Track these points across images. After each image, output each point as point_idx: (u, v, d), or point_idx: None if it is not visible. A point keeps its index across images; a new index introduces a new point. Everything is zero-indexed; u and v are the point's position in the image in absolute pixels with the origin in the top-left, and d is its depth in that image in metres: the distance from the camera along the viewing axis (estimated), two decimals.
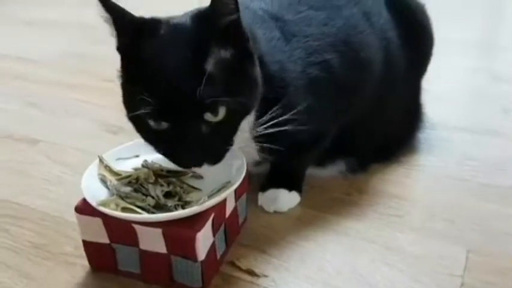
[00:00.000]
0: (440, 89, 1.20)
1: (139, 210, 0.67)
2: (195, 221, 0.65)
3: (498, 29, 1.88)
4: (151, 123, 0.65)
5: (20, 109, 1.27)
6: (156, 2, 1.49)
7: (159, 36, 0.65)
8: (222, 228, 0.72)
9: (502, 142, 1.03)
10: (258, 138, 0.74)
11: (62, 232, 0.81)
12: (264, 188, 0.86)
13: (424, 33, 0.98)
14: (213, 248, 0.69)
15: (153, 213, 0.67)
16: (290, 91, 0.76)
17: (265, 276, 0.71)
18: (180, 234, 0.65)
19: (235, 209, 0.76)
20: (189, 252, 0.65)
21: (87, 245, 0.72)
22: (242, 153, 0.75)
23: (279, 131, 0.72)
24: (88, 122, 1.18)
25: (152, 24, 0.66)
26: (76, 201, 0.70)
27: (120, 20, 0.65)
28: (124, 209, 0.67)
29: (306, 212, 0.84)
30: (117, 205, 0.67)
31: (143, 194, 0.70)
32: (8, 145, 1.10)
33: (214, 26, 0.64)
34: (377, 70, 0.88)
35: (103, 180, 0.73)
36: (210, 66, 0.63)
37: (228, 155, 0.69)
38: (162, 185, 0.71)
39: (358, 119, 0.89)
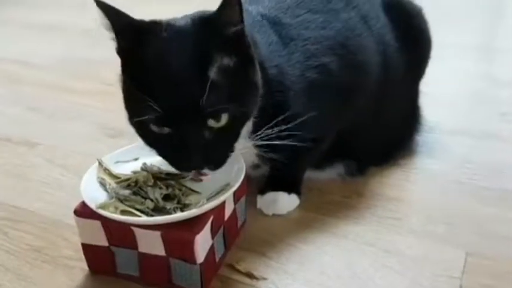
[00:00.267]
0: (439, 92, 1.20)
1: (138, 213, 0.67)
2: (194, 224, 0.65)
3: (496, 32, 1.88)
4: (154, 128, 0.65)
5: (19, 112, 1.27)
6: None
7: (161, 40, 0.65)
8: (221, 231, 0.72)
9: (501, 145, 1.03)
10: (257, 142, 0.74)
11: (61, 235, 0.81)
12: (263, 191, 0.86)
13: (421, 36, 0.98)
14: (212, 251, 0.69)
15: (152, 216, 0.67)
16: (289, 95, 0.76)
17: (265, 279, 0.71)
18: (179, 237, 0.65)
19: (234, 212, 0.76)
20: (188, 255, 0.65)
21: (86, 248, 0.72)
22: (241, 156, 0.75)
23: (278, 135, 0.72)
24: (87, 125, 1.18)
25: (153, 28, 0.66)
26: (75, 204, 0.70)
27: (119, 23, 0.65)
28: (123, 212, 0.67)
29: (305, 215, 0.85)
30: (116, 208, 0.67)
31: (142, 197, 0.70)
32: (7, 148, 1.10)
33: (219, 35, 0.64)
34: (375, 73, 0.88)
35: (102, 183, 0.73)
36: (213, 74, 0.63)
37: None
38: (161, 188, 0.71)
39: (357, 122, 0.89)
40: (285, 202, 0.85)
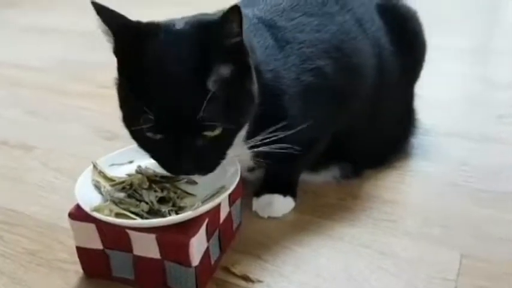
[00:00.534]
0: (434, 94, 1.20)
1: (133, 215, 0.67)
2: (189, 227, 0.65)
3: (491, 34, 1.89)
4: (147, 133, 0.65)
5: (15, 115, 1.27)
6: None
7: (159, 44, 0.64)
8: (216, 233, 0.72)
9: (496, 147, 1.04)
10: (253, 146, 0.74)
11: (56, 238, 0.81)
12: (258, 194, 0.86)
13: (416, 39, 0.99)
14: (207, 254, 0.69)
15: (146, 218, 0.67)
16: (284, 99, 0.76)
17: (260, 281, 0.71)
18: (174, 240, 0.65)
19: (229, 215, 0.76)
20: (183, 258, 0.65)
21: (80, 251, 0.71)
22: (236, 159, 0.75)
23: (273, 139, 0.72)
24: (83, 128, 1.18)
25: (151, 30, 0.65)
26: (70, 207, 0.70)
27: (115, 24, 0.64)
28: (118, 215, 0.67)
29: (300, 218, 0.85)
30: (111, 211, 0.67)
31: (137, 200, 0.70)
32: (3, 151, 1.10)
33: (219, 46, 0.64)
34: (370, 76, 0.88)
35: (97, 186, 0.73)
36: (212, 85, 0.62)
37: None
38: (156, 191, 0.71)
39: (352, 124, 0.89)
40: (280, 205, 0.85)
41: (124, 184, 0.72)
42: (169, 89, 0.62)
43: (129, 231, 0.66)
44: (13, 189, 0.96)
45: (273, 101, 0.74)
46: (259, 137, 0.72)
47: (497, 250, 0.76)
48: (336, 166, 0.93)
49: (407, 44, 0.95)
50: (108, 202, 0.69)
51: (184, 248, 0.64)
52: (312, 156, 0.87)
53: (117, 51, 0.66)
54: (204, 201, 0.68)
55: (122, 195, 0.70)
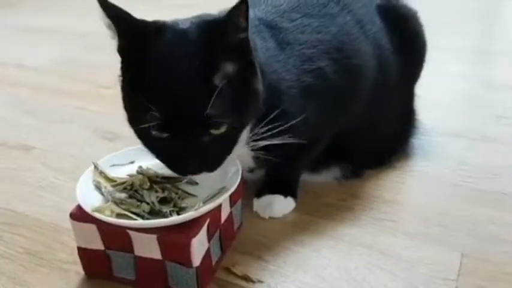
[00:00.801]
0: (433, 95, 1.20)
1: (134, 216, 0.67)
2: (190, 227, 0.65)
3: (491, 35, 1.89)
4: (153, 132, 0.64)
5: (14, 116, 1.27)
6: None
7: (164, 43, 0.64)
8: (217, 234, 0.72)
9: (496, 148, 1.04)
10: (254, 146, 0.74)
11: (56, 239, 0.81)
12: (259, 194, 0.86)
13: (417, 40, 0.99)
14: (208, 254, 0.69)
15: (148, 219, 0.67)
16: (285, 100, 0.76)
17: (261, 282, 0.71)
18: (175, 240, 0.65)
19: (230, 215, 0.76)
20: (184, 258, 0.65)
21: (81, 251, 0.71)
22: (237, 159, 0.75)
23: (274, 139, 0.72)
24: (83, 129, 1.18)
25: (156, 29, 0.65)
26: (70, 207, 0.70)
27: (121, 22, 0.64)
28: (119, 215, 0.67)
29: (301, 218, 0.85)
30: (112, 211, 0.67)
31: (138, 200, 0.70)
32: (2, 152, 1.10)
33: (226, 42, 0.64)
34: (370, 77, 0.88)
35: (98, 187, 0.73)
36: (218, 82, 0.62)
37: None
38: (157, 191, 0.71)
39: (353, 125, 0.89)
40: (281, 205, 0.85)
41: (125, 185, 0.72)
42: (176, 86, 0.62)
43: (130, 232, 0.66)
44: (13, 190, 0.96)
45: (274, 102, 0.73)
46: (260, 137, 0.72)
47: (497, 250, 0.76)
48: (336, 166, 0.93)
49: (407, 44, 0.95)
50: (109, 203, 0.69)
51: (186, 249, 0.64)
52: (312, 156, 0.88)
53: (121, 49, 0.66)
54: (205, 202, 0.68)
55: (123, 195, 0.70)
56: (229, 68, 0.64)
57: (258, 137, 0.72)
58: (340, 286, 0.70)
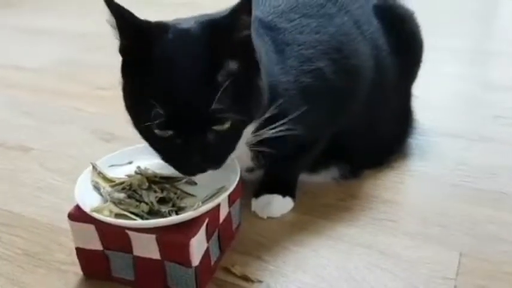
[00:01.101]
0: (431, 95, 1.21)
1: (133, 216, 0.67)
2: (189, 227, 0.65)
3: (488, 36, 1.90)
4: (157, 131, 0.64)
5: (12, 117, 1.27)
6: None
7: (168, 42, 0.64)
8: (216, 234, 0.72)
9: (493, 147, 1.04)
10: (253, 146, 0.74)
11: (54, 239, 0.81)
12: (257, 194, 0.86)
13: (414, 40, 0.99)
14: (207, 254, 0.69)
15: (147, 219, 0.67)
16: (284, 101, 0.76)
17: (260, 281, 0.71)
18: (174, 240, 0.65)
19: (229, 215, 0.76)
20: (183, 258, 0.65)
21: (80, 252, 0.71)
22: (236, 159, 0.75)
23: (273, 138, 0.72)
24: (81, 130, 1.17)
25: (160, 29, 0.65)
26: (68, 208, 0.70)
27: (124, 22, 0.64)
28: (118, 216, 0.66)
29: (299, 218, 0.85)
30: (110, 211, 0.67)
31: (137, 200, 0.69)
32: (0, 153, 1.09)
33: (229, 40, 0.64)
34: (368, 77, 0.89)
35: (96, 187, 0.73)
36: (222, 79, 0.62)
37: None
38: (155, 191, 0.71)
39: (351, 125, 0.89)
40: (279, 205, 0.85)
41: (123, 185, 0.72)
42: (181, 84, 0.62)
43: (129, 232, 0.66)
44: (10, 191, 0.95)
45: (273, 102, 0.73)
46: (259, 137, 0.72)
47: (496, 249, 0.76)
48: (334, 167, 0.93)
49: (405, 45, 0.95)
50: (108, 203, 0.69)
51: (185, 248, 0.64)
52: (311, 156, 0.88)
53: (124, 49, 0.66)
54: (203, 202, 0.68)
55: (121, 195, 0.70)
56: (233, 65, 0.64)
57: (258, 138, 0.72)
58: (339, 286, 0.70)
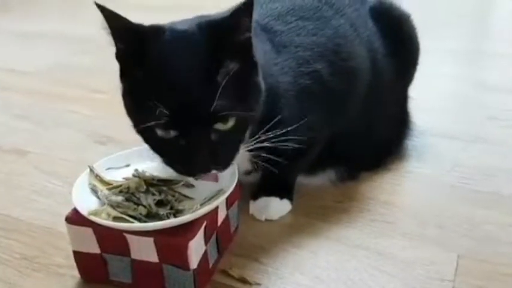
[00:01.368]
0: (427, 97, 1.21)
1: (131, 219, 0.66)
2: (187, 230, 0.65)
3: (483, 37, 1.91)
4: (160, 132, 0.64)
5: (8, 120, 1.26)
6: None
7: (167, 44, 0.65)
8: (214, 236, 0.72)
9: (490, 149, 1.05)
10: (250, 148, 0.74)
11: (51, 243, 0.80)
12: (255, 197, 0.86)
13: (410, 43, 0.99)
14: (205, 257, 0.69)
15: (144, 222, 0.66)
16: (283, 102, 0.76)
17: (258, 284, 0.71)
18: (172, 243, 0.65)
19: (226, 218, 0.76)
20: (181, 261, 0.65)
21: (77, 255, 0.71)
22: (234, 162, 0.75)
23: (271, 141, 0.72)
24: (77, 133, 1.17)
25: (156, 32, 0.65)
26: (65, 211, 0.69)
27: (119, 28, 0.64)
28: (115, 218, 0.66)
29: (297, 220, 0.85)
30: (108, 214, 0.66)
31: (135, 203, 0.69)
32: None
33: (229, 41, 0.64)
34: (365, 79, 0.89)
35: (94, 190, 0.72)
36: (222, 78, 0.62)
37: None
38: (153, 194, 0.71)
39: (348, 127, 0.89)
40: (277, 207, 0.85)
41: (121, 188, 0.72)
42: (182, 84, 0.62)
43: (127, 235, 0.66)
44: (7, 194, 0.95)
45: (271, 104, 0.73)
46: (257, 139, 0.72)
47: (493, 250, 0.76)
48: (331, 169, 0.93)
49: (401, 47, 0.96)
50: (106, 206, 0.68)
51: (183, 251, 0.64)
52: (308, 158, 0.88)
53: (121, 55, 0.66)
54: (202, 204, 0.68)
55: (119, 198, 0.70)
56: (232, 65, 0.64)
57: (257, 140, 0.72)
58: (337, 287, 0.70)
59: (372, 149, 0.97)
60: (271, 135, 0.72)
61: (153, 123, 0.62)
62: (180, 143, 0.64)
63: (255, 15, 0.82)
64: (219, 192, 0.70)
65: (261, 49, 0.75)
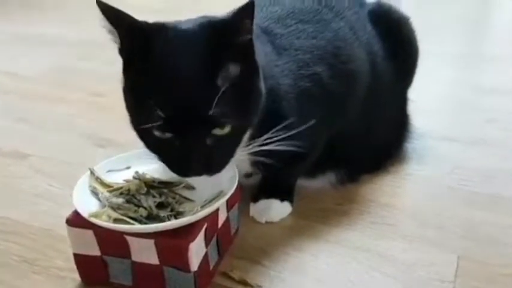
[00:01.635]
0: (427, 100, 1.22)
1: (131, 221, 0.66)
2: (188, 231, 0.65)
3: (482, 41, 1.92)
4: (156, 133, 0.64)
5: (8, 123, 1.26)
6: None
7: (168, 44, 0.64)
8: (214, 238, 0.72)
9: (489, 151, 1.05)
10: (251, 151, 0.74)
11: (51, 246, 0.80)
12: (255, 199, 0.86)
13: (409, 45, 1.00)
14: (205, 259, 0.69)
15: (145, 224, 0.66)
16: (283, 105, 0.76)
17: (259, 286, 0.71)
18: (173, 245, 0.64)
19: (227, 220, 0.76)
20: (182, 263, 0.65)
21: (78, 257, 0.71)
22: (234, 164, 0.75)
23: (271, 143, 0.72)
24: (77, 136, 1.17)
25: (159, 30, 0.65)
26: (65, 214, 0.69)
27: (122, 24, 0.64)
28: (116, 220, 0.66)
29: (297, 222, 0.85)
30: (109, 216, 0.66)
31: (135, 205, 0.69)
32: None
33: (230, 43, 0.64)
34: (365, 82, 0.89)
35: (94, 192, 0.72)
36: (222, 82, 0.62)
37: None
38: (154, 196, 0.71)
39: (347, 130, 0.90)
40: (277, 209, 0.85)
41: (122, 190, 0.72)
42: (180, 86, 0.62)
43: (128, 237, 0.66)
44: (7, 197, 0.95)
45: (272, 107, 0.74)
46: (257, 142, 0.72)
47: (493, 251, 0.77)
48: (332, 171, 0.93)
49: (400, 49, 0.96)
50: (106, 208, 0.68)
51: (183, 253, 0.64)
52: (308, 161, 0.88)
53: (123, 51, 0.66)
54: (202, 206, 0.68)
55: (120, 200, 0.70)
56: (233, 68, 0.64)
57: (257, 142, 0.72)
58: None
59: (372, 152, 0.97)
60: (273, 139, 0.72)
61: (149, 125, 0.62)
62: (175, 144, 0.64)
63: (256, 19, 0.82)
64: (220, 194, 0.70)
65: (262, 51, 0.75)
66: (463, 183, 0.94)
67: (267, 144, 0.72)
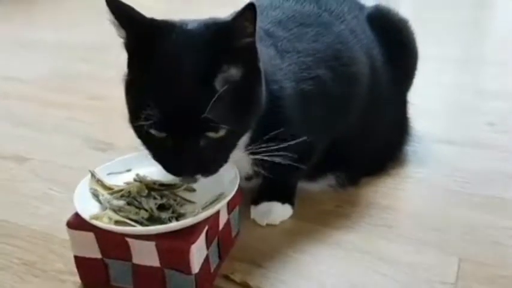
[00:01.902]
0: (426, 103, 1.22)
1: (132, 223, 0.66)
2: (189, 234, 0.65)
3: (481, 45, 1.93)
4: (152, 131, 0.64)
5: (8, 127, 1.26)
6: None
7: (171, 42, 0.64)
8: (215, 241, 0.72)
9: (489, 154, 1.05)
10: (252, 154, 0.74)
11: (52, 249, 0.80)
12: (256, 202, 0.86)
13: (409, 48, 1.00)
14: (207, 261, 0.69)
15: (146, 226, 0.66)
16: (285, 107, 0.76)
17: None
18: (174, 247, 0.64)
19: (228, 222, 0.76)
20: (183, 265, 0.65)
21: (78, 260, 0.71)
22: (235, 166, 0.75)
23: (272, 145, 0.72)
24: (76, 140, 1.17)
25: (164, 28, 0.65)
26: (65, 217, 0.69)
27: (128, 18, 0.64)
28: (117, 223, 0.66)
29: (298, 225, 0.85)
30: (110, 219, 0.66)
31: (136, 207, 0.69)
32: None
33: (230, 46, 0.64)
34: (365, 84, 0.89)
35: (95, 195, 0.72)
36: (219, 85, 0.62)
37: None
38: (155, 198, 0.71)
39: (348, 133, 0.90)
40: (278, 212, 0.85)
41: (123, 192, 0.72)
42: (176, 86, 0.62)
43: (129, 239, 0.66)
44: (7, 201, 0.95)
45: (274, 109, 0.74)
46: (259, 144, 0.72)
47: (494, 253, 0.76)
48: (332, 174, 0.93)
49: (400, 52, 0.96)
50: (107, 210, 0.68)
51: (185, 255, 0.64)
52: (310, 163, 0.88)
53: (128, 46, 0.66)
54: (203, 208, 0.68)
55: (121, 202, 0.70)
56: (232, 72, 0.64)
57: (259, 145, 0.72)
58: None
59: (372, 154, 0.97)
60: (273, 139, 0.72)
61: (145, 122, 0.62)
62: (169, 144, 0.64)
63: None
64: (221, 196, 0.70)
65: (266, 54, 0.75)
66: (463, 185, 0.94)
67: (267, 147, 0.72)
